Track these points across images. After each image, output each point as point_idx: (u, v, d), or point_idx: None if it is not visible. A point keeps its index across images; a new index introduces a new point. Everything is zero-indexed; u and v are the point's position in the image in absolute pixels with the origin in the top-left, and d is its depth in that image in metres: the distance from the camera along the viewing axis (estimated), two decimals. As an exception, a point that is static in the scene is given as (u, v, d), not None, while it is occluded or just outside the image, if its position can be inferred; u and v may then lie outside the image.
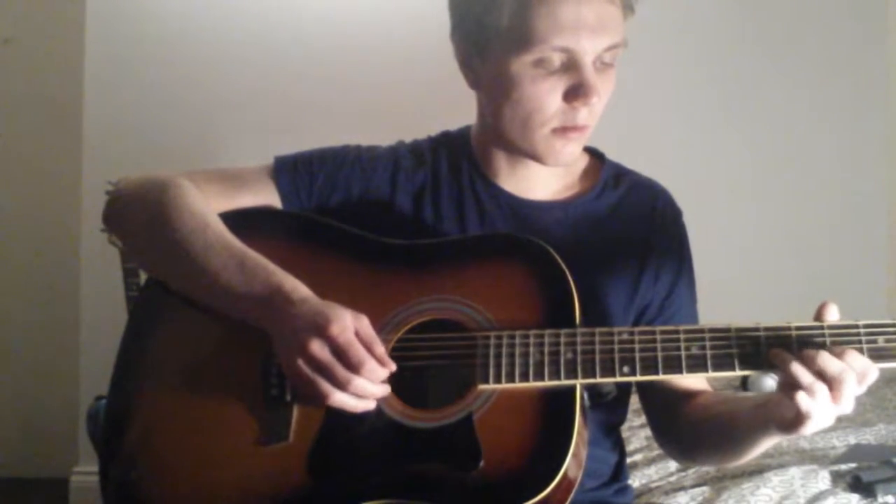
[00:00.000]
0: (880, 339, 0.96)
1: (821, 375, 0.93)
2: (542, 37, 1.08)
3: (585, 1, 1.07)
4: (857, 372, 0.94)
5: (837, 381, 0.93)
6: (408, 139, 1.31)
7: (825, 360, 0.93)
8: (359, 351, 0.99)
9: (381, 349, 1.01)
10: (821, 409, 0.94)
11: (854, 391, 0.94)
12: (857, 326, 0.97)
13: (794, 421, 0.96)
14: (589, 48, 1.09)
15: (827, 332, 0.97)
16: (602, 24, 1.08)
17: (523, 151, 1.18)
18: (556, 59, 1.09)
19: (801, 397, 0.93)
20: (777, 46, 2.92)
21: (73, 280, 2.88)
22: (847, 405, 0.95)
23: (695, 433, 1.20)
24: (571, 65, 1.10)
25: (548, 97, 1.11)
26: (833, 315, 0.99)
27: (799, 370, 0.94)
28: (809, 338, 0.97)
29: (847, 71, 2.94)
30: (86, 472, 2.76)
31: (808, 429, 0.96)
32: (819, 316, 0.99)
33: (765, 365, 0.98)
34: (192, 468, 1.07)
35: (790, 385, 0.95)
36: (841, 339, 0.97)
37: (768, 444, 1.08)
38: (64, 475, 2.86)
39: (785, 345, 0.97)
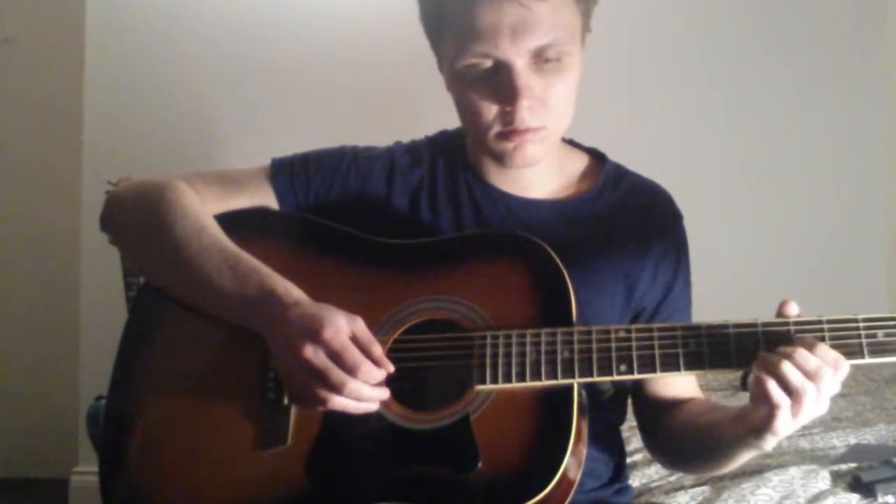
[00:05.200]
0: (879, 333, 0.96)
1: (804, 372, 0.92)
2: (464, 43, 1.07)
3: (507, 2, 1.04)
4: (829, 365, 0.92)
5: (816, 377, 0.92)
6: (406, 140, 1.31)
7: (803, 356, 0.92)
8: (353, 354, 0.98)
9: (379, 350, 1.01)
10: (800, 407, 0.93)
11: (831, 385, 0.93)
12: (856, 321, 0.97)
13: (765, 421, 0.95)
14: (511, 51, 1.06)
15: (826, 326, 0.96)
16: (526, 25, 1.05)
17: (488, 154, 1.18)
18: (484, 63, 1.08)
19: (772, 386, 0.92)
20: (777, 46, 2.92)
21: (73, 280, 2.88)
22: (824, 404, 0.94)
23: (679, 440, 1.20)
24: (499, 68, 1.08)
25: (482, 102, 1.10)
26: (794, 310, 0.98)
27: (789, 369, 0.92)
28: (807, 333, 0.96)
29: (847, 71, 2.93)
30: (86, 472, 2.76)
31: (781, 429, 0.95)
32: (781, 312, 0.98)
33: None
34: (191, 471, 1.06)
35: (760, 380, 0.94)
36: (840, 334, 0.96)
37: (745, 455, 1.07)
38: (64, 475, 2.86)
39: (781, 341, 0.96)
